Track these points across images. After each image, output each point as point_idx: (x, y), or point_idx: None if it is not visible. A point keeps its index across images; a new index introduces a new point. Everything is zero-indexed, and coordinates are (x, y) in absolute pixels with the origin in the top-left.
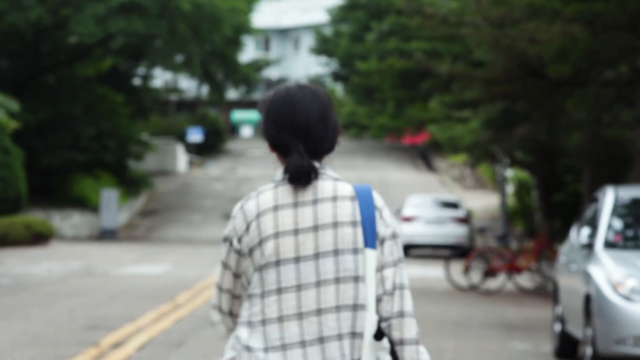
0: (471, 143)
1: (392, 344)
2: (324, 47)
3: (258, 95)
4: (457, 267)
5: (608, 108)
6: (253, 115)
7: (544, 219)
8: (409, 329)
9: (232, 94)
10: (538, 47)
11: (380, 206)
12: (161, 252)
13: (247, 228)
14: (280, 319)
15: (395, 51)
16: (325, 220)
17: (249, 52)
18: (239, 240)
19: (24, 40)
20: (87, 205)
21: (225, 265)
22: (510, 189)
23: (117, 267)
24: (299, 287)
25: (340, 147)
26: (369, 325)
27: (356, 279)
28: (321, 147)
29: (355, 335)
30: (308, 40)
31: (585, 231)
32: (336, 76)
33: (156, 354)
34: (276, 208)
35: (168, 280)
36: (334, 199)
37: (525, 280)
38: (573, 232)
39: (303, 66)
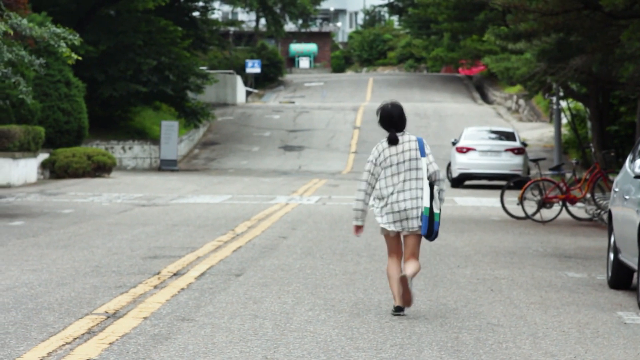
0: (526, 74)
1: (434, 183)
2: None
3: (315, 27)
4: (512, 197)
5: None
6: (310, 47)
7: (599, 150)
8: (441, 178)
9: (290, 26)
10: None
11: (425, 143)
12: (221, 183)
13: (379, 155)
14: (387, 185)
15: None
16: (406, 148)
17: None
18: (376, 159)
19: None
20: (148, 136)
21: (369, 171)
22: (564, 120)
23: (177, 197)
24: (398, 174)
25: (396, 79)
26: (425, 184)
27: (417, 169)
28: (401, 128)
29: (418, 188)
30: None
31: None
32: (392, 8)
33: (216, 283)
34: (389, 146)
35: (227, 210)
36: (409, 141)
37: (579, 210)
38: (627, 162)
39: None
